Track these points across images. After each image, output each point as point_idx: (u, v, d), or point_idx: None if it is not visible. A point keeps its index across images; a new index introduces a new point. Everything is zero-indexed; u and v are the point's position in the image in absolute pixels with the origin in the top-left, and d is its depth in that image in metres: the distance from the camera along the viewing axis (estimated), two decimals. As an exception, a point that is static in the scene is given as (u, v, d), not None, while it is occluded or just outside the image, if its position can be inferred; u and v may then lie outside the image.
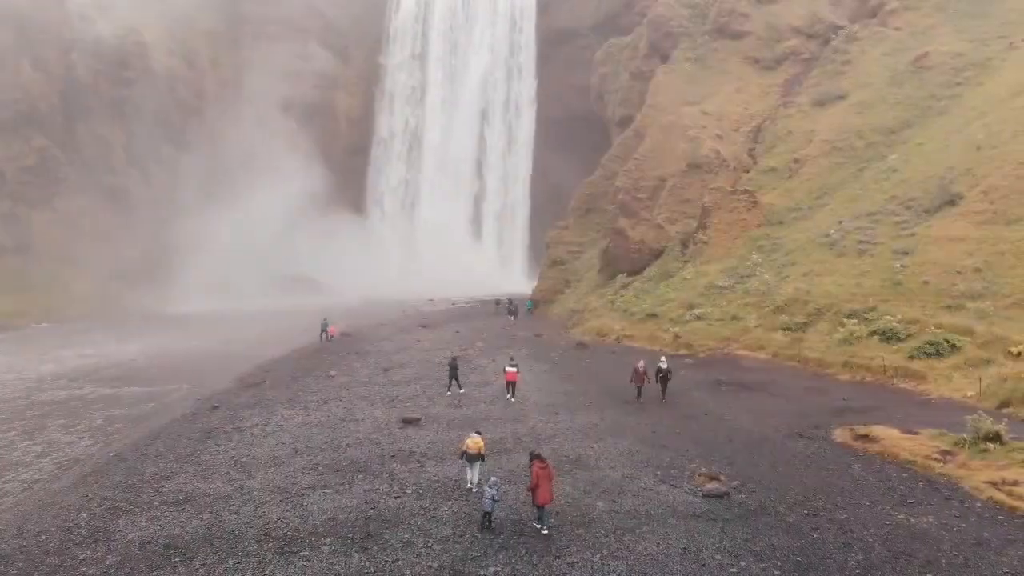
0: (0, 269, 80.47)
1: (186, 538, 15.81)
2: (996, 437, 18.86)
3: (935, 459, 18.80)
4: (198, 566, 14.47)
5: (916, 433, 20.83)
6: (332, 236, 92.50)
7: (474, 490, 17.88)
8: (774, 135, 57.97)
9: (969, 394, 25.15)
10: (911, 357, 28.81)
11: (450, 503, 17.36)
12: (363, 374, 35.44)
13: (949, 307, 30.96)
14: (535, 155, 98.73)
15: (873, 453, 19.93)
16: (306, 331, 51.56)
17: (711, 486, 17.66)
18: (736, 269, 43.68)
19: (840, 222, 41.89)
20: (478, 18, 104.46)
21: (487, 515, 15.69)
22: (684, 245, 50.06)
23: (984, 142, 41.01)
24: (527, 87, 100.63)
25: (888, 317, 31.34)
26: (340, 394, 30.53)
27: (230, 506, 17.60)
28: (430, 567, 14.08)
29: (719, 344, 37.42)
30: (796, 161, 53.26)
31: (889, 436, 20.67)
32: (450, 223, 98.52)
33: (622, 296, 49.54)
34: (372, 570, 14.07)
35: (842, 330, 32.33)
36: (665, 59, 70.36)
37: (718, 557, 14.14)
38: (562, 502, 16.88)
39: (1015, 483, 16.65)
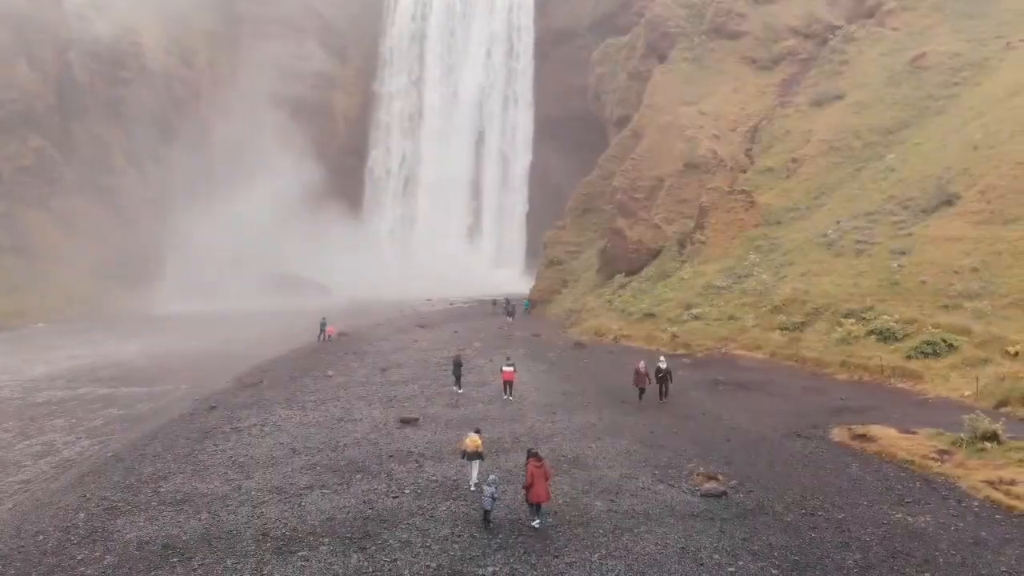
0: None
1: (184, 538, 15.80)
2: (993, 436, 18.91)
3: (933, 458, 18.84)
4: (196, 566, 14.46)
5: (914, 433, 20.88)
6: (330, 236, 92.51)
7: (474, 489, 17.90)
8: (771, 135, 58.05)
9: (966, 394, 25.18)
10: (908, 357, 28.86)
11: (448, 503, 17.36)
12: (361, 374, 35.42)
13: (946, 307, 31.03)
14: (533, 155, 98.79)
15: (871, 452, 19.96)
16: (304, 331, 51.55)
17: (709, 486, 17.67)
18: (734, 269, 43.71)
19: (838, 222, 41.93)
20: (475, 16, 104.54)
21: (487, 513, 15.73)
22: (682, 245, 50.09)
23: (981, 142, 41.07)
24: (523, 89, 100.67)
25: (885, 317, 31.39)
26: (338, 394, 30.50)
27: (228, 506, 17.58)
28: (428, 567, 14.08)
29: (717, 344, 37.44)
30: (794, 161, 53.32)
31: (887, 436, 20.70)
32: (448, 223, 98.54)
33: (620, 296, 49.55)
34: (370, 570, 14.06)
35: (840, 330, 32.38)
36: (662, 59, 70.42)
37: (716, 556, 14.15)
38: (560, 502, 16.89)
39: (1012, 482, 16.68)
